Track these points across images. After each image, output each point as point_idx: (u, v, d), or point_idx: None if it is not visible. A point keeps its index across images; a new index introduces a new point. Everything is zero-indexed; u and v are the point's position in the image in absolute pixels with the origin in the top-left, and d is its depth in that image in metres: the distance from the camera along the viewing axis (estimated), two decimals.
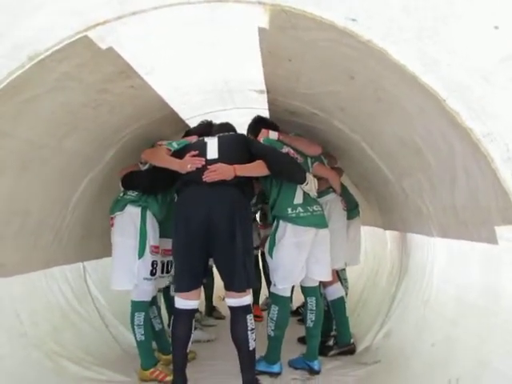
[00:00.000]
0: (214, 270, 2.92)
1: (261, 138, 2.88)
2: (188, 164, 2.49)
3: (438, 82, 1.55)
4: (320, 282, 2.96)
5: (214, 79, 2.81)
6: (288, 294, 2.84)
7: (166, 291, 3.24)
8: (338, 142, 3.19)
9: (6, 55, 1.62)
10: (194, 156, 2.52)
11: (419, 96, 1.69)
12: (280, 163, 2.63)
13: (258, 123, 3.11)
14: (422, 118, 1.89)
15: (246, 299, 2.42)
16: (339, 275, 3.34)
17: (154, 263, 2.75)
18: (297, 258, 2.71)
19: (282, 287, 2.75)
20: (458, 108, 1.55)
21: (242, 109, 3.44)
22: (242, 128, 3.20)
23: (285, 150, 2.80)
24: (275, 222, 2.79)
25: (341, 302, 3.16)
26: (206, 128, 3.09)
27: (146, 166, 2.94)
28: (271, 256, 2.76)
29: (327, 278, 2.87)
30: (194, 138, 2.86)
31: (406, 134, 2.20)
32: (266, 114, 3.35)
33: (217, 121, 3.21)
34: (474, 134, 1.54)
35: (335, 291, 3.15)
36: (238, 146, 2.63)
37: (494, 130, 1.49)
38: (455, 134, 1.67)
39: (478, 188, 1.74)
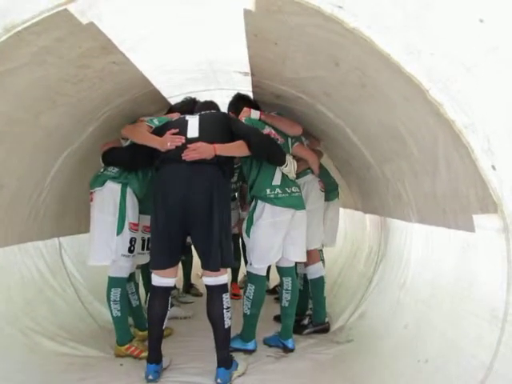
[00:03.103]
0: (193, 247, 2.92)
1: (243, 117, 2.85)
2: (168, 142, 2.45)
3: (422, 72, 1.55)
4: (302, 262, 3.00)
5: (198, 59, 2.75)
6: (264, 274, 2.86)
7: (144, 268, 3.22)
8: (321, 126, 3.18)
9: None
10: (174, 134, 2.49)
11: (403, 85, 1.69)
12: (260, 145, 2.61)
13: (239, 100, 3.08)
14: (406, 107, 1.90)
15: (223, 278, 2.44)
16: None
17: (132, 240, 2.74)
18: (273, 238, 2.73)
19: (258, 266, 2.78)
20: (441, 99, 1.55)
21: (225, 90, 3.38)
22: (225, 108, 3.17)
23: (266, 130, 2.80)
24: (253, 202, 2.81)
25: (321, 281, 3.21)
26: (189, 105, 3.05)
27: (128, 142, 2.89)
28: (248, 235, 2.78)
29: (302, 258, 2.91)
30: (175, 116, 2.82)
31: (389, 121, 2.20)
32: (250, 95, 3.30)
33: (200, 100, 3.16)
34: (456, 124, 1.55)
35: (316, 270, 3.20)
36: (219, 125, 2.59)
37: (475, 122, 1.51)
38: (437, 124, 1.68)
39: (458, 177, 1.76)
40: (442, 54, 1.43)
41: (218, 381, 2.34)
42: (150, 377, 2.37)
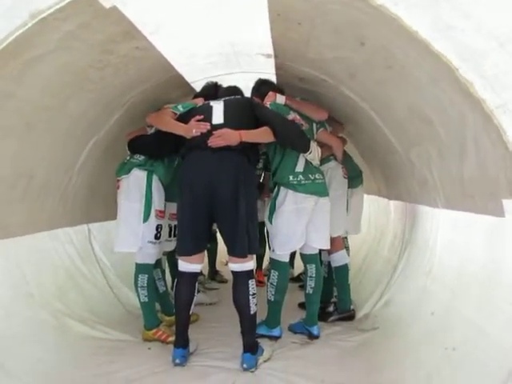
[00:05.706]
0: (218, 234, 2.93)
1: (268, 102, 2.82)
2: (193, 129, 2.45)
3: (452, 50, 1.49)
4: (326, 249, 2.98)
5: (220, 42, 2.73)
6: (287, 260, 2.86)
7: (170, 254, 3.27)
8: (346, 110, 3.13)
9: (7, 13, 1.58)
10: (199, 121, 2.49)
11: (431, 64, 1.64)
12: (285, 131, 2.60)
13: (262, 85, 3.04)
14: (433, 87, 1.84)
15: (249, 264, 2.44)
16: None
17: (158, 227, 2.77)
18: (296, 224, 2.72)
19: (280, 253, 2.78)
20: (471, 77, 1.50)
21: (248, 73, 3.35)
22: (248, 92, 3.13)
23: (291, 116, 2.77)
24: (276, 189, 2.79)
25: (345, 268, 3.20)
26: (212, 90, 3.03)
27: (153, 130, 2.91)
28: (271, 222, 2.77)
29: (326, 245, 2.89)
30: (199, 101, 2.82)
31: (415, 103, 2.15)
32: (273, 78, 3.27)
33: (223, 84, 3.14)
34: (487, 104, 1.49)
35: (340, 258, 3.19)
36: (243, 111, 2.58)
37: (507, 101, 1.45)
38: (467, 104, 1.63)
39: (488, 160, 1.71)
40: (474, 28, 1.38)
41: (244, 366, 2.36)
42: (177, 361, 2.41)
